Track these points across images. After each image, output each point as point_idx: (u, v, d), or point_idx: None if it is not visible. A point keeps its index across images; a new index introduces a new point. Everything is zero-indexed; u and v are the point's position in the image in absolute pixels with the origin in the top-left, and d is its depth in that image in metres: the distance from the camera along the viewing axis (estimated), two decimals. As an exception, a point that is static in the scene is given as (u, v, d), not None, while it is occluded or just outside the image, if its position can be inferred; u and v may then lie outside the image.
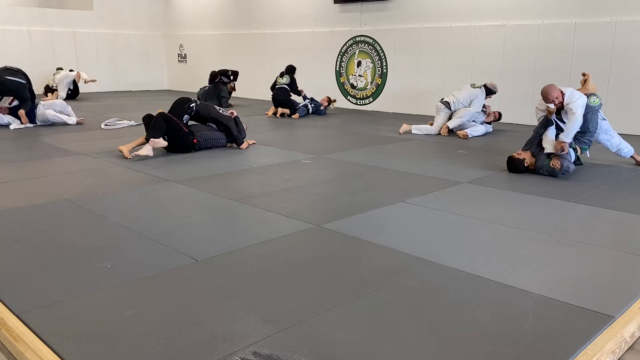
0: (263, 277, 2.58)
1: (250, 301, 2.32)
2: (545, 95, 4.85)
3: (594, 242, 3.11)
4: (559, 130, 4.87)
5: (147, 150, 5.47)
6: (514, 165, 4.85)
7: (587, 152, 5.12)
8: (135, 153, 5.48)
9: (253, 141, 6.32)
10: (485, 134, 7.19)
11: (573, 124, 4.72)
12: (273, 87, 9.45)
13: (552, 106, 4.84)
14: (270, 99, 9.43)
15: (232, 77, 10.70)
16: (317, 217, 3.53)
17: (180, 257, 2.81)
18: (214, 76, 10.69)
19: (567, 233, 3.26)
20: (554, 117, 4.93)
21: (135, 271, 2.63)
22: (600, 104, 4.99)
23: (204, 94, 10.40)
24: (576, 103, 4.74)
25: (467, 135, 6.92)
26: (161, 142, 5.56)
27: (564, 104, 4.80)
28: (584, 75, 5.30)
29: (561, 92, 4.83)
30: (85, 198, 3.96)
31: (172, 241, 3.05)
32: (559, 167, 4.62)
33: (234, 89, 10.96)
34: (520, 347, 1.97)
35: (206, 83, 11.05)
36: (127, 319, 2.16)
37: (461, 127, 7.13)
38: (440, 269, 2.70)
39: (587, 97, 4.91)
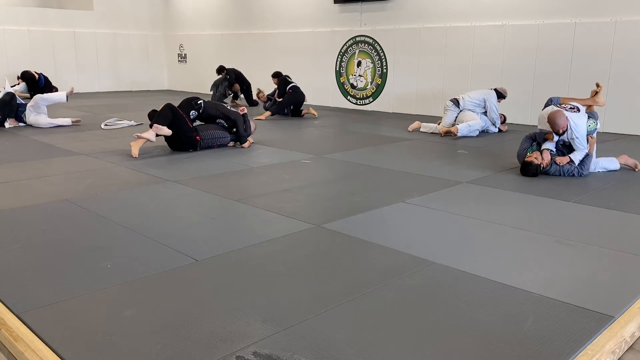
0: (263, 277, 2.58)
1: (250, 301, 2.32)
2: (554, 125, 4.72)
3: (594, 242, 3.11)
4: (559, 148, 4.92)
5: (149, 134, 5.53)
6: (532, 172, 4.74)
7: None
8: (137, 134, 5.57)
9: (251, 140, 6.33)
10: (477, 133, 7.10)
11: (579, 154, 4.75)
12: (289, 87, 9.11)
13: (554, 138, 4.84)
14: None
15: (229, 78, 10.60)
16: (317, 217, 3.53)
17: (180, 257, 2.81)
18: (221, 69, 10.69)
19: (567, 233, 3.26)
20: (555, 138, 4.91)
21: (135, 271, 2.63)
22: (595, 128, 4.91)
23: (216, 84, 10.55)
24: (581, 139, 4.73)
25: (457, 133, 6.83)
26: (164, 130, 5.57)
27: (569, 137, 4.74)
28: (597, 86, 5.12)
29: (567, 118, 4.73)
30: (85, 198, 3.96)
31: (172, 241, 3.05)
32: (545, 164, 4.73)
33: (237, 92, 10.92)
34: (520, 347, 1.97)
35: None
36: (127, 319, 2.16)
37: (468, 134, 6.97)
38: (440, 269, 2.70)
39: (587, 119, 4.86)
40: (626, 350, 2.14)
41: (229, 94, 10.73)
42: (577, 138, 4.71)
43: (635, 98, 7.11)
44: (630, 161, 5.12)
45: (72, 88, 7.96)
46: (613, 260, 2.85)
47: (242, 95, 11.05)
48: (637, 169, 5.05)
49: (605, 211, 3.76)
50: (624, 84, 7.16)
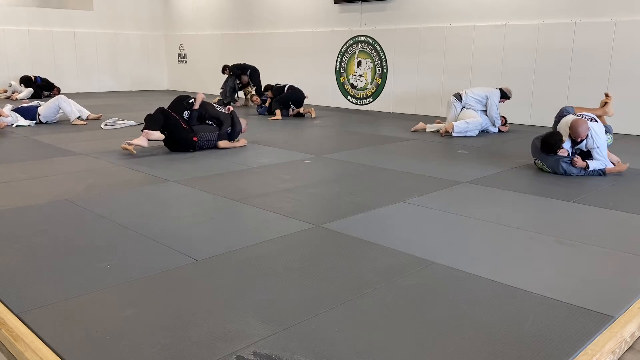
0: (263, 277, 2.58)
1: (250, 301, 2.32)
2: (575, 132, 4.72)
3: (594, 242, 3.11)
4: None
5: (140, 140, 5.54)
6: (555, 140, 4.73)
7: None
8: (128, 141, 5.57)
9: (245, 141, 6.28)
10: (475, 134, 7.11)
11: (597, 164, 4.75)
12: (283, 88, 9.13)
13: (567, 147, 4.82)
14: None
15: (234, 72, 10.60)
16: (317, 217, 3.53)
17: (180, 257, 2.81)
18: (224, 69, 10.75)
19: (567, 233, 3.26)
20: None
21: (135, 271, 2.63)
22: (610, 144, 4.96)
23: (225, 80, 10.66)
24: (601, 148, 4.73)
25: (452, 129, 6.85)
26: (155, 134, 5.56)
27: (589, 146, 4.75)
28: (607, 96, 5.08)
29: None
30: (85, 198, 3.96)
31: (172, 241, 3.05)
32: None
33: (247, 84, 10.89)
34: (520, 347, 1.97)
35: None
36: (127, 319, 2.16)
37: (465, 133, 6.98)
38: (440, 269, 2.70)
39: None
40: (626, 350, 2.14)
41: (239, 86, 10.70)
42: (597, 147, 4.72)
43: (635, 98, 7.11)
44: (614, 158, 5.01)
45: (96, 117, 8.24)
46: (613, 260, 2.86)
47: (251, 93, 11.05)
48: (616, 165, 4.91)
49: (605, 211, 3.76)
50: (624, 84, 7.15)
